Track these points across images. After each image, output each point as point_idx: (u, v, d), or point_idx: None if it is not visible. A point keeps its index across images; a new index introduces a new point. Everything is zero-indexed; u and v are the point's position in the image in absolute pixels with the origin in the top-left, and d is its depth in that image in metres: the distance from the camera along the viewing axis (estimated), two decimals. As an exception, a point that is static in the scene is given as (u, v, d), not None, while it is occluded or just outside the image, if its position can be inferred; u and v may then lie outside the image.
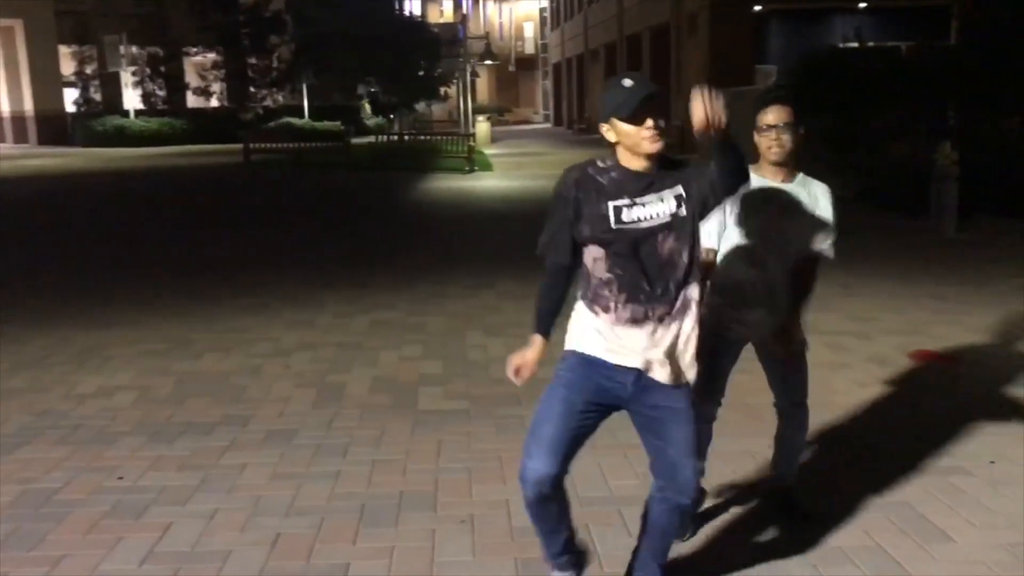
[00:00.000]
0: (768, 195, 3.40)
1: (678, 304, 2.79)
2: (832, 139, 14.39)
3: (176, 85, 36.93)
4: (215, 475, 4.34)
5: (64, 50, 36.92)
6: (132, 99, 35.71)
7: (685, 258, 2.77)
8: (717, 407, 3.71)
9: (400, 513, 3.90)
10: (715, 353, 3.36)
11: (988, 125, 13.18)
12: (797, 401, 3.72)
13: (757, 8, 23.19)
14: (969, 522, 3.73)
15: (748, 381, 4.46)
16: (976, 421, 4.88)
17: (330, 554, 3.57)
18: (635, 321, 2.77)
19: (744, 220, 3.41)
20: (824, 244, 3.57)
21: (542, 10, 58.68)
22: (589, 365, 2.84)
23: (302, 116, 34.29)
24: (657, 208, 2.74)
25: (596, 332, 2.82)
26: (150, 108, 36.24)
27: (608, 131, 2.77)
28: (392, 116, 36.71)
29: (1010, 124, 13.25)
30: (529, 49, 62.61)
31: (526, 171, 21.35)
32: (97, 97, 37.21)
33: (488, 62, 43.18)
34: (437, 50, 35.55)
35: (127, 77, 35.39)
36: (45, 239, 12.49)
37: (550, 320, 2.93)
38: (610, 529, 3.75)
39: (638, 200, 2.74)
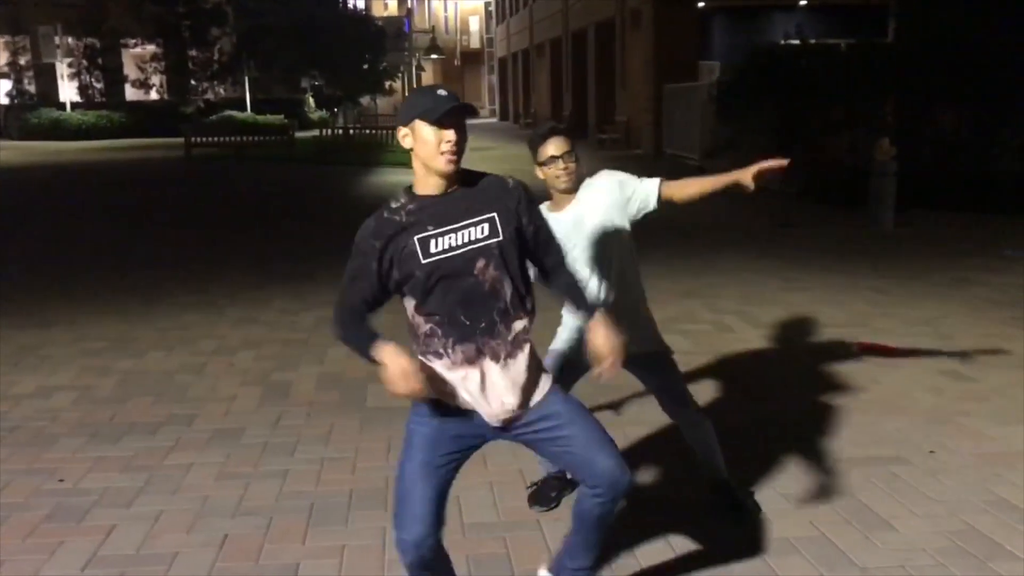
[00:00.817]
0: (564, 227, 3.42)
1: (511, 337, 2.62)
2: (773, 135, 14.60)
3: (114, 77, 36.17)
4: (160, 476, 4.26)
5: (-4, 40, 35.98)
6: (68, 91, 34.93)
7: (508, 287, 2.60)
8: None
9: (350, 512, 3.87)
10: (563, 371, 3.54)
11: (925, 121, 13.48)
12: (679, 405, 3.76)
13: (701, 4, 23.43)
14: (911, 511, 3.82)
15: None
16: (916, 412, 4.99)
17: (280, 554, 3.53)
18: (469, 361, 2.60)
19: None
20: (648, 204, 3.59)
21: (487, 4, 58.62)
22: (441, 415, 2.67)
23: (244, 110, 33.84)
24: (469, 233, 2.57)
25: (439, 380, 2.64)
26: (87, 101, 35.49)
27: (405, 136, 2.58)
28: (336, 110, 36.41)
29: (946, 120, 13.56)
30: (475, 43, 62.53)
31: (473, 166, 21.19)
32: (31, 89, 36.30)
33: (434, 56, 43.05)
34: (382, 44, 35.34)
35: (63, 69, 34.61)
36: (-22, 235, 12.15)
37: (370, 333, 2.64)
38: (561, 523, 3.75)
39: (444, 227, 2.55)
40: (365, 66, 35.35)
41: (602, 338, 2.64)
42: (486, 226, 2.58)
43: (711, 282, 8.37)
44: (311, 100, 37.78)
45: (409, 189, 2.65)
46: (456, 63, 60.38)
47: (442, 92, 2.58)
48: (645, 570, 3.39)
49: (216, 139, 25.47)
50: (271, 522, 3.78)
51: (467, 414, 2.67)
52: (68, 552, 3.55)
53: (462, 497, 3.99)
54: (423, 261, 2.55)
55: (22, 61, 35.83)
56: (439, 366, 2.64)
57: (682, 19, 22.32)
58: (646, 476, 4.23)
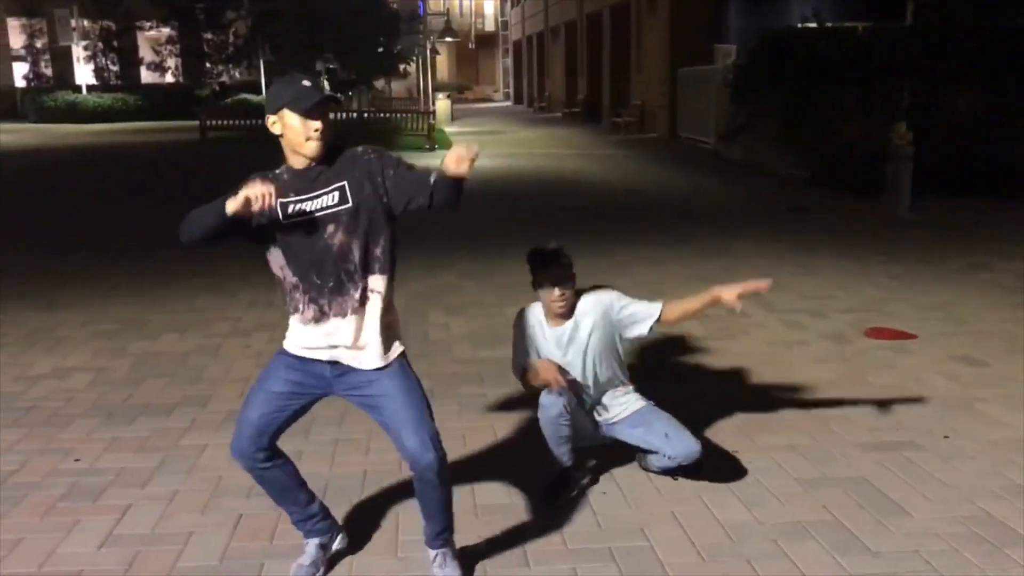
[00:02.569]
0: (560, 337, 3.80)
1: (357, 296, 2.94)
2: (788, 119, 14.52)
3: (129, 60, 36.24)
4: (174, 456, 4.29)
5: (13, 23, 36.04)
6: (84, 74, 35.03)
7: (358, 251, 2.91)
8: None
9: (363, 492, 3.89)
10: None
11: (942, 106, 13.36)
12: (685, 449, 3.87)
13: (716, -13, 23.24)
14: (925, 496, 3.81)
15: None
16: (930, 397, 4.97)
17: (293, 535, 3.54)
18: (316, 319, 2.96)
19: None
20: (641, 330, 3.86)
21: (502, -13, 58.36)
22: (286, 361, 3.06)
23: (259, 93, 33.81)
24: (321, 201, 2.89)
25: (293, 332, 3.04)
26: (103, 83, 35.56)
27: (274, 123, 2.88)
28: (350, 93, 36.34)
29: (963, 105, 13.44)
30: (489, 26, 62.29)
31: (487, 150, 21.24)
32: (48, 72, 36.40)
33: (448, 39, 42.84)
34: (396, 26, 35.19)
35: (79, 51, 34.67)
36: (-5, 217, 12.22)
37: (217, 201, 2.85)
38: (571, 504, 3.77)
39: (303, 195, 2.89)
40: (379, 49, 35.22)
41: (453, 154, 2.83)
42: (336, 194, 2.89)
43: (723, 267, 8.34)
44: (326, 83, 37.73)
45: (285, 163, 2.96)
46: (470, 46, 60.19)
47: (306, 83, 2.87)
48: (655, 551, 3.39)
49: (231, 122, 25.48)
50: (285, 503, 3.80)
51: (307, 364, 3.03)
52: (84, 531, 3.58)
53: (474, 479, 4.01)
54: (282, 222, 2.90)
55: (38, 44, 35.95)
56: (295, 319, 3.02)
57: (698, 2, 22.17)
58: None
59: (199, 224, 2.93)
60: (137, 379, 5.43)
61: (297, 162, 2.93)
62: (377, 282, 2.97)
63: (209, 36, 35.86)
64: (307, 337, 3.01)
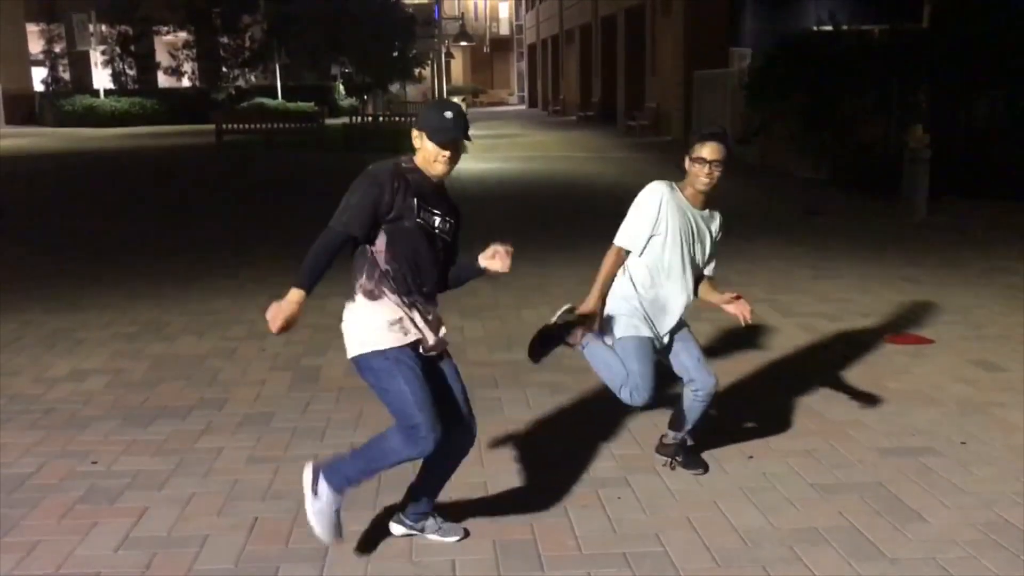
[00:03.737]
0: (690, 220, 3.88)
1: (432, 302, 3.33)
2: (805, 122, 14.46)
3: (146, 64, 36.44)
4: (191, 459, 4.31)
5: (31, 28, 36.32)
6: (102, 78, 35.23)
7: (440, 271, 3.34)
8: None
9: (378, 496, 3.90)
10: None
11: (959, 108, 13.29)
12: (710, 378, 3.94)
13: (732, -10, 23.17)
14: (942, 503, 3.78)
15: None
16: (947, 402, 4.94)
17: (309, 538, 3.55)
18: (408, 305, 3.23)
19: (666, 237, 3.85)
20: (710, 268, 4.08)
21: (517, -9, 58.38)
22: (394, 351, 3.19)
23: (275, 97, 33.98)
24: (442, 221, 3.29)
25: (386, 328, 3.21)
26: (120, 87, 35.77)
27: (417, 137, 3.24)
28: (366, 97, 36.45)
29: (980, 107, 13.36)
30: (504, 30, 62.30)
31: (501, 153, 21.28)
32: (66, 76, 36.66)
33: (463, 43, 42.97)
34: (411, 30, 35.27)
35: (96, 56, 34.88)
36: (13, 220, 12.31)
37: (316, 279, 3.14)
38: (588, 510, 3.77)
39: (432, 208, 3.25)
40: (395, 53, 35.31)
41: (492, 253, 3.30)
42: (452, 223, 3.33)
43: (740, 270, 8.32)
44: (341, 87, 37.83)
45: (414, 158, 3.27)
46: (485, 50, 60.22)
47: (448, 114, 3.19)
48: (670, 556, 3.38)
49: (247, 126, 25.57)
50: (300, 506, 3.78)
51: (407, 347, 3.21)
52: (101, 533, 3.60)
53: (489, 483, 4.01)
54: (417, 219, 3.20)
55: (57, 49, 36.19)
56: (390, 298, 3.22)
57: (713, 5, 22.14)
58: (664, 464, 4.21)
59: (311, 265, 3.15)
60: (154, 381, 5.45)
61: (429, 172, 3.25)
62: (438, 303, 3.38)
63: (225, 40, 36.00)
64: (403, 315, 3.22)
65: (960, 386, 5.20)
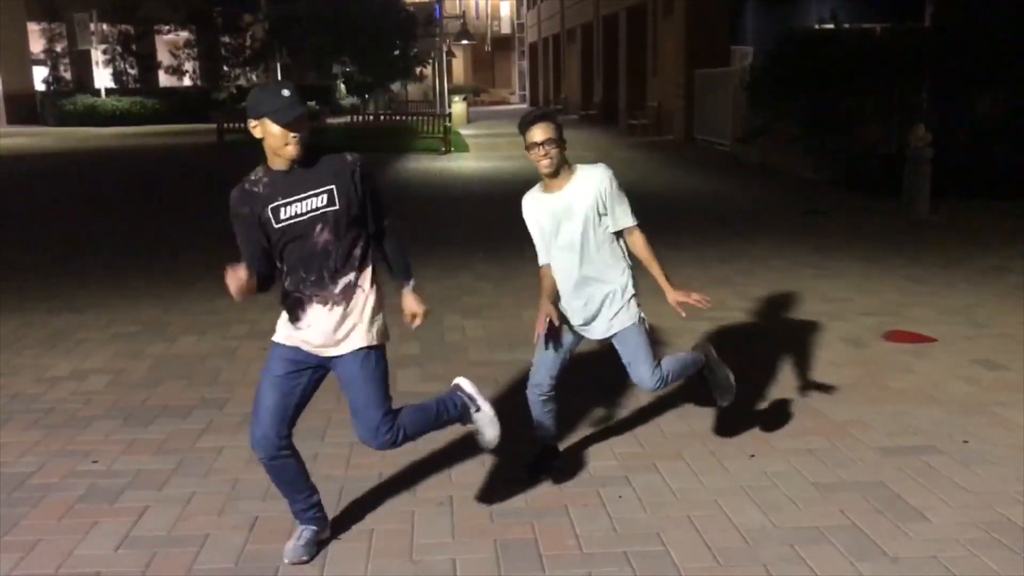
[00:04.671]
0: (557, 209, 3.79)
1: (337, 290, 3.18)
2: (806, 121, 14.45)
3: (147, 64, 36.44)
4: (191, 459, 4.31)
5: (32, 27, 36.33)
6: (103, 78, 35.24)
7: (341, 250, 3.16)
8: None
9: (378, 495, 3.89)
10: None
11: (961, 107, 13.27)
12: (647, 371, 3.81)
13: (733, -11, 23.15)
14: (944, 501, 3.78)
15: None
16: (949, 401, 4.93)
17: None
18: (303, 305, 3.21)
19: (549, 234, 3.84)
20: (622, 220, 3.81)
21: (518, -10, 58.36)
22: (281, 348, 3.29)
23: (276, 96, 33.91)
24: (310, 202, 3.12)
25: (284, 321, 3.28)
26: (121, 87, 35.78)
27: (256, 128, 3.11)
28: (367, 96, 36.45)
29: (983, 106, 13.34)
30: (505, 29, 62.31)
31: (502, 152, 21.28)
32: (67, 76, 36.67)
33: (464, 42, 42.93)
34: (412, 30, 35.27)
35: (97, 55, 34.89)
36: (14, 220, 12.32)
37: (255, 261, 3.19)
38: (588, 509, 3.76)
39: (292, 197, 3.11)
40: (396, 52, 35.32)
41: (413, 302, 3.41)
42: (325, 196, 3.12)
43: (740, 269, 8.32)
44: (342, 86, 37.85)
45: (264, 163, 3.17)
46: (486, 49, 60.22)
47: (285, 92, 3.07)
48: (671, 555, 3.38)
49: (247, 125, 25.56)
50: (301, 505, 3.80)
51: (297, 349, 3.26)
52: (101, 533, 3.60)
53: (489, 483, 4.00)
54: (276, 226, 3.12)
55: (58, 48, 36.20)
56: (285, 299, 3.25)
57: (715, 4, 22.10)
58: (672, 465, 4.21)
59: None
60: (155, 381, 5.45)
61: (279, 162, 3.13)
62: (351, 277, 3.21)
63: (227, 40, 36.00)
64: (299, 320, 3.24)
65: (962, 385, 5.19)
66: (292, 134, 3.05)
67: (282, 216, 3.11)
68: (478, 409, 3.56)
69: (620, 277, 3.80)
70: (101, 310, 7.14)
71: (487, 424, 3.57)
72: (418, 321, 3.43)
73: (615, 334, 3.82)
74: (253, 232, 3.15)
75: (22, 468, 4.20)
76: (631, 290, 3.82)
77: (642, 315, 3.83)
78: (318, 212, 3.11)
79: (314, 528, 3.44)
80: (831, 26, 14.82)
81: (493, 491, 3.92)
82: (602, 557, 3.38)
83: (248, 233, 3.16)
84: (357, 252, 3.21)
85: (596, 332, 3.87)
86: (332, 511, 3.76)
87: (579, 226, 3.74)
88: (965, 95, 13.21)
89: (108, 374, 5.59)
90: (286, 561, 3.35)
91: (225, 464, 4.24)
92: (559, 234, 3.79)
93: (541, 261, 3.91)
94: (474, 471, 4.14)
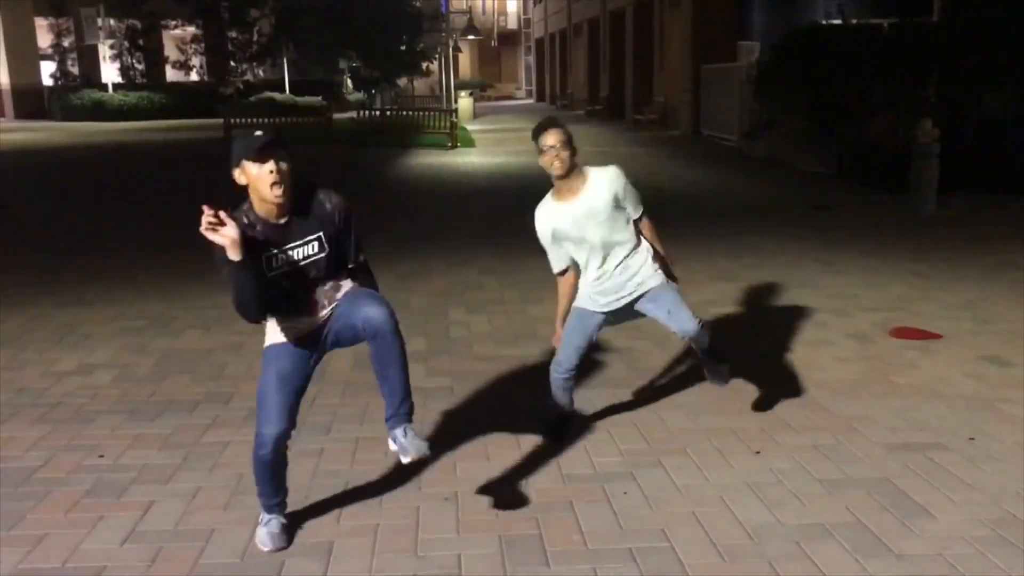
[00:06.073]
0: (576, 212, 4.02)
1: (327, 303, 3.36)
2: (813, 116, 14.41)
3: (155, 59, 36.48)
4: (197, 453, 4.32)
5: (40, 22, 36.40)
6: (110, 72, 35.31)
7: (326, 283, 3.34)
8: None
9: (383, 490, 3.90)
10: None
11: (969, 102, 13.22)
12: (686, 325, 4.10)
13: (740, -16, 23.09)
14: (949, 498, 3.77)
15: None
16: (955, 398, 4.92)
17: (314, 532, 3.57)
18: (300, 319, 3.35)
19: (567, 241, 4.09)
20: (634, 212, 4.14)
21: (525, -15, 58.27)
22: (277, 347, 3.38)
23: (283, 91, 34.00)
24: (303, 251, 3.24)
25: (273, 329, 3.39)
26: (129, 82, 35.83)
27: (240, 175, 3.16)
28: (373, 91, 36.48)
29: (990, 101, 13.28)
30: (512, 24, 62.25)
31: (509, 147, 21.27)
32: (75, 70, 36.73)
33: (470, 37, 42.84)
34: (419, 25, 35.31)
35: (105, 50, 34.96)
36: (21, 215, 12.35)
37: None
38: (593, 505, 3.76)
39: (284, 246, 3.21)
40: (402, 47, 35.36)
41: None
42: (315, 244, 3.26)
43: (747, 264, 8.30)
44: (348, 82, 37.88)
45: (251, 206, 3.20)
46: (493, 44, 60.16)
47: (258, 133, 3.13)
48: (676, 551, 3.38)
49: (254, 120, 25.55)
50: (306, 500, 3.82)
51: (300, 341, 3.36)
52: (108, 527, 3.61)
53: (494, 477, 4.01)
54: (269, 274, 3.20)
55: (65, 43, 36.25)
56: (272, 324, 3.37)
57: (721, -1, 22.07)
58: (677, 460, 4.21)
59: (240, 294, 3.18)
60: (161, 376, 5.47)
61: (265, 211, 3.18)
62: (331, 286, 3.37)
63: (233, 34, 36.06)
64: (296, 326, 3.37)
65: (968, 381, 5.18)
66: (268, 167, 3.07)
67: (274, 264, 3.21)
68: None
69: (634, 238, 4.12)
70: (107, 304, 7.15)
71: None
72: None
73: (646, 292, 4.10)
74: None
75: (28, 462, 4.22)
76: (650, 256, 4.16)
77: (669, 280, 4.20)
78: (310, 260, 3.26)
79: (279, 517, 3.51)
80: (838, 21, 14.77)
81: (498, 486, 3.92)
82: (607, 553, 3.38)
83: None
84: (336, 278, 3.39)
85: (629, 289, 4.10)
86: (336, 506, 3.77)
87: (605, 224, 4.00)
88: (972, 90, 13.16)
89: (114, 368, 5.61)
90: (263, 549, 3.41)
91: (231, 458, 4.25)
92: (585, 237, 4.02)
93: (557, 269, 4.21)
94: (479, 467, 4.14)
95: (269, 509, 3.49)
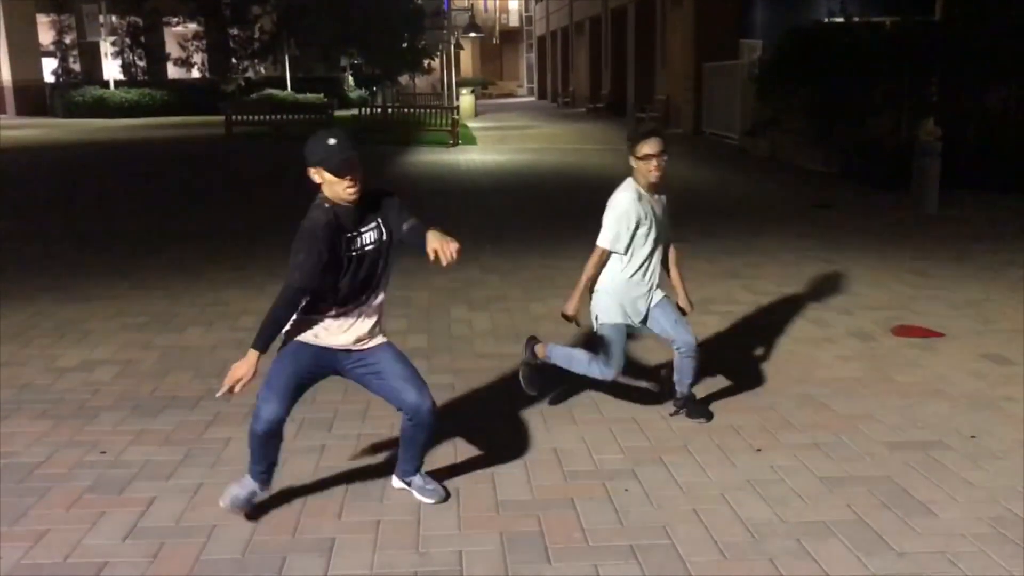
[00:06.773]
0: (653, 209, 4.37)
1: (374, 303, 3.58)
2: (815, 114, 14.40)
3: (156, 56, 36.45)
4: (199, 449, 4.33)
5: (42, 19, 36.38)
6: (112, 69, 35.29)
7: (383, 274, 3.58)
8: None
9: (385, 488, 3.90)
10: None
11: (971, 101, 13.21)
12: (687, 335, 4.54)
13: (743, -19, 23.05)
14: (951, 496, 3.77)
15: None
16: (957, 396, 4.92)
17: (316, 529, 3.57)
18: (347, 315, 3.52)
19: (643, 230, 4.34)
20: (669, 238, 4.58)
21: (527, -18, 58.22)
22: (311, 347, 3.56)
23: (284, 88, 33.95)
24: (371, 235, 3.49)
25: (318, 327, 3.54)
26: (130, 79, 35.81)
27: (315, 174, 3.39)
28: (375, 89, 36.44)
29: (993, 99, 13.27)
30: (514, 22, 62.19)
31: (510, 145, 21.26)
32: (76, 67, 36.71)
33: (472, 35, 42.74)
34: (420, 22, 35.23)
35: (106, 47, 34.94)
36: (22, 211, 12.35)
37: (273, 340, 3.49)
38: (595, 502, 3.76)
39: (359, 230, 3.46)
40: (404, 44, 35.30)
41: (438, 239, 3.49)
42: (377, 231, 3.51)
43: (749, 262, 8.30)
44: (350, 79, 37.84)
45: (326, 199, 3.42)
46: (495, 41, 60.11)
47: (331, 141, 3.33)
48: (678, 549, 3.38)
49: (256, 117, 25.55)
50: (307, 497, 3.82)
51: (325, 349, 3.56)
52: (109, 523, 3.62)
53: (496, 475, 4.01)
54: (351, 254, 3.43)
55: (67, 40, 36.22)
56: (324, 315, 3.51)
57: (723, -4, 22.03)
58: (679, 458, 4.21)
59: (276, 325, 3.48)
60: (163, 372, 5.47)
61: (340, 200, 3.41)
62: (383, 296, 3.63)
63: (235, 31, 35.98)
64: (331, 327, 3.54)
65: (970, 380, 5.18)
66: (347, 180, 3.33)
67: (355, 246, 3.44)
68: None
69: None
70: (109, 301, 7.16)
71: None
72: (450, 255, 3.45)
73: (657, 302, 4.44)
74: (326, 252, 3.35)
75: (30, 458, 4.22)
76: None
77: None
78: (375, 244, 3.50)
79: (258, 487, 3.62)
80: (840, 19, 14.75)
81: (499, 483, 3.92)
82: (608, 550, 3.38)
83: (323, 252, 3.35)
84: (385, 277, 3.60)
85: (649, 288, 4.44)
86: (338, 502, 3.78)
87: (667, 231, 4.43)
88: (975, 88, 13.15)
89: (116, 365, 5.61)
90: (222, 505, 3.56)
91: (232, 455, 4.25)
92: (653, 232, 4.31)
93: (611, 246, 4.31)
94: (480, 463, 4.14)
95: (252, 473, 3.62)
